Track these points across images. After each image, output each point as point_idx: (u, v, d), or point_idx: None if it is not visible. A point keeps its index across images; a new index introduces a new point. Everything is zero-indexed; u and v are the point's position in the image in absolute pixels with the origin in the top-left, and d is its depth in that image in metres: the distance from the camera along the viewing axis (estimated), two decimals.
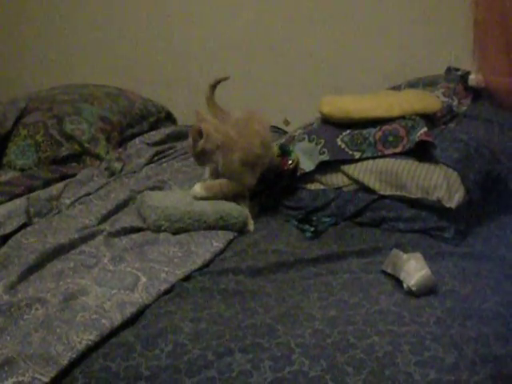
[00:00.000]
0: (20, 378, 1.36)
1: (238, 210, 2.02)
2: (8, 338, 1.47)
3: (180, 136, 2.96)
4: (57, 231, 1.97)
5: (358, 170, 2.08)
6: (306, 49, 3.18)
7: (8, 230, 1.99)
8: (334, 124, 2.20)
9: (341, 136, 2.13)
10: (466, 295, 1.57)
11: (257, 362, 1.36)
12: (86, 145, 2.69)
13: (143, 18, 3.49)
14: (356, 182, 2.08)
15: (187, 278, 1.71)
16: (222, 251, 1.87)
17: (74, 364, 1.39)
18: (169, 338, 1.44)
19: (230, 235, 1.95)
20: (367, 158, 2.07)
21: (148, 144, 2.80)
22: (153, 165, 2.61)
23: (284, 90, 3.27)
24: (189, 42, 3.42)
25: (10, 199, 2.25)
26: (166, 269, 1.73)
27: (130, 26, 3.52)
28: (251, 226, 2.03)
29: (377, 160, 2.07)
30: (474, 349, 1.37)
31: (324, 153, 2.12)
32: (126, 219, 2.06)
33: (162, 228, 1.96)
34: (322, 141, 2.14)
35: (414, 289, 1.56)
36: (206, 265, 1.78)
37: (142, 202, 2.06)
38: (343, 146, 2.11)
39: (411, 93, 2.41)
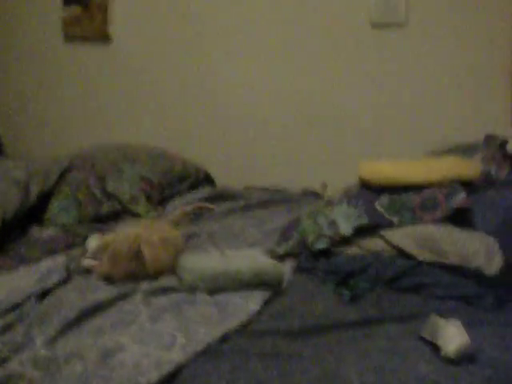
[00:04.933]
0: None
1: (274, 267, 2.03)
2: None
3: (218, 197, 3.00)
4: (96, 288, 1.99)
5: (396, 236, 2.08)
6: (345, 113, 3.22)
7: (48, 285, 2.01)
8: (372, 188, 2.21)
9: (379, 201, 2.14)
10: (505, 364, 1.54)
11: None
12: (127, 204, 2.73)
13: (183, 79, 3.56)
14: (394, 247, 2.08)
15: (224, 339, 1.70)
16: (259, 312, 1.86)
17: None
18: None
19: (266, 295, 1.94)
20: (407, 223, 2.08)
21: (187, 204, 2.83)
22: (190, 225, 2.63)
23: (321, 155, 3.30)
24: (227, 103, 3.48)
25: (50, 255, 2.29)
26: (203, 329, 1.72)
27: (169, 85, 3.60)
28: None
29: (415, 226, 2.07)
30: None
31: (362, 217, 2.12)
32: (164, 279, 2.07)
33: (199, 288, 1.97)
34: (361, 205, 2.15)
35: (452, 356, 1.54)
36: (243, 326, 1.78)
37: (178, 264, 2.08)
38: (382, 210, 2.12)
39: (450, 159, 2.41)
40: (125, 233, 2.15)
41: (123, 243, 2.07)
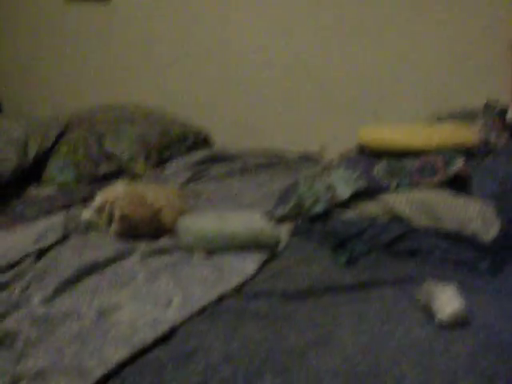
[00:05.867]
0: None
1: (270, 230, 2.04)
2: (42, 349, 1.49)
3: (216, 159, 3.00)
4: (93, 247, 2.00)
5: (393, 200, 2.07)
6: (345, 73, 3.20)
7: (45, 244, 2.02)
8: (371, 153, 2.21)
9: (378, 165, 2.14)
10: (499, 329, 1.55)
11: None
12: (126, 163, 2.73)
13: (182, 38, 3.53)
14: (391, 211, 2.08)
15: (219, 300, 1.71)
16: (255, 274, 1.87)
17: (105, 379, 1.39)
18: (200, 358, 1.45)
19: (263, 257, 1.96)
20: (403, 188, 2.08)
21: (185, 165, 2.83)
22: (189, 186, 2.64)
23: (321, 116, 3.28)
24: (227, 64, 3.45)
25: (48, 214, 2.29)
26: (199, 290, 1.74)
27: (169, 45, 3.58)
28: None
29: (413, 191, 2.07)
30: (506, 383, 1.35)
31: (360, 181, 2.12)
32: (161, 240, 2.08)
33: (196, 248, 1.98)
34: (359, 169, 2.15)
35: (446, 321, 1.55)
36: (239, 287, 1.79)
37: (177, 225, 2.09)
38: (380, 175, 2.11)
39: (449, 126, 2.41)
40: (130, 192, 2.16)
41: (138, 208, 2.09)
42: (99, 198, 2.15)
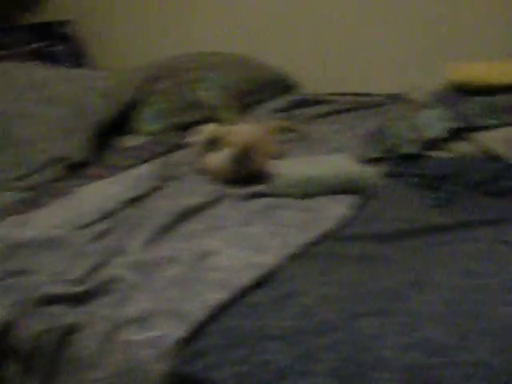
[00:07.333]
0: (154, 333, 1.40)
1: (362, 172, 2.03)
2: (143, 293, 1.52)
3: (302, 103, 2.98)
4: (188, 193, 2.03)
5: (487, 138, 2.03)
6: (425, 17, 3.12)
7: (141, 191, 2.07)
8: (462, 91, 2.16)
9: (470, 103, 2.09)
10: None
11: (384, 326, 1.35)
12: (213, 111, 2.74)
13: None
14: (484, 150, 2.04)
15: (314, 243, 1.71)
16: (348, 217, 1.87)
17: (205, 321, 1.42)
18: (297, 300, 1.46)
19: (355, 200, 1.95)
20: (497, 126, 2.03)
21: (273, 110, 2.82)
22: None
23: (405, 58, 3.22)
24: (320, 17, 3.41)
25: (141, 164, 2.33)
26: (294, 233, 1.75)
27: None
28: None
29: (507, 128, 2.02)
30: None
31: (453, 120, 2.08)
32: (253, 185, 2.09)
33: (287, 193, 1.99)
34: (451, 108, 2.11)
35: None
36: (333, 230, 1.79)
37: (270, 169, 2.09)
38: (472, 113, 2.07)
39: None
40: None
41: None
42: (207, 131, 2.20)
